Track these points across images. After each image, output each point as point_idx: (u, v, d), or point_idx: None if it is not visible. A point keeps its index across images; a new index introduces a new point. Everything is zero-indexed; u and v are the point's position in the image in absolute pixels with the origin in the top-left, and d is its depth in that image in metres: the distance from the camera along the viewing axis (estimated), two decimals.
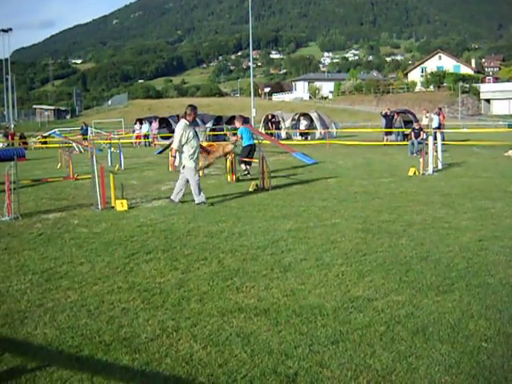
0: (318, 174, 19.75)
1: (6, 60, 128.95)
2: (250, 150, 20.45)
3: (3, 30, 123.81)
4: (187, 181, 14.22)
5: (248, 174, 20.28)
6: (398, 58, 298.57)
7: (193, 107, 14.44)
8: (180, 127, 13.95)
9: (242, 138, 20.40)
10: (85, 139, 48.38)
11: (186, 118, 14.18)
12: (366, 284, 7.16)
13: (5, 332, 6.08)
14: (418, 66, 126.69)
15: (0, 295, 7.35)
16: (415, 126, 30.49)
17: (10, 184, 13.25)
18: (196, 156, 14.24)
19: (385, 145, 35.88)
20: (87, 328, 6.06)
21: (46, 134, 60.08)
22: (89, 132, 54.35)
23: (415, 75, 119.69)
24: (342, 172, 20.54)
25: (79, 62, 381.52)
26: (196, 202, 13.99)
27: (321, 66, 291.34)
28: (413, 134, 28.88)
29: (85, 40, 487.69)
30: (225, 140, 40.50)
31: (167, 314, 6.37)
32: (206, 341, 5.59)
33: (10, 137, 57.90)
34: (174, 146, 14.09)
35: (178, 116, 54.31)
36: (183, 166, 14.13)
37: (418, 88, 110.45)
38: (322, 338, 5.52)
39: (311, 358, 5.13)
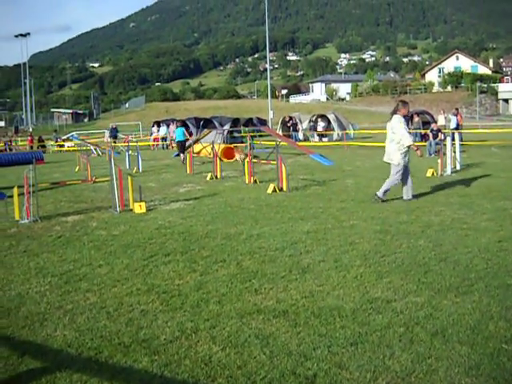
0: (335, 176, 19.73)
1: (24, 64, 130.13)
2: None
3: (21, 35, 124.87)
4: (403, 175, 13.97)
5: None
6: (415, 58, 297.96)
7: (404, 102, 14.18)
8: (401, 122, 13.64)
9: None
10: (114, 142, 48.70)
11: (398, 113, 13.88)
12: (385, 285, 7.15)
13: (25, 334, 6.12)
14: (436, 66, 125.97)
15: (20, 297, 7.40)
16: (433, 126, 30.40)
17: (29, 187, 13.34)
18: (406, 153, 13.89)
19: None
20: (106, 330, 6.10)
21: (64, 137, 60.35)
22: (118, 134, 54.74)
23: (432, 76, 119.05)
24: (359, 173, 20.52)
25: (96, 65, 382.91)
26: (378, 195, 13.88)
27: (338, 67, 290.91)
28: (431, 134, 28.80)
29: (102, 43, 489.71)
30: (242, 142, 40.49)
31: (186, 316, 6.38)
32: (225, 342, 5.60)
33: (29, 140, 58.21)
34: (409, 141, 13.60)
35: (195, 118, 54.54)
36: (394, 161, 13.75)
37: (436, 88, 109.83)
38: (341, 340, 5.51)
39: (330, 359, 5.13)
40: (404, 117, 13.97)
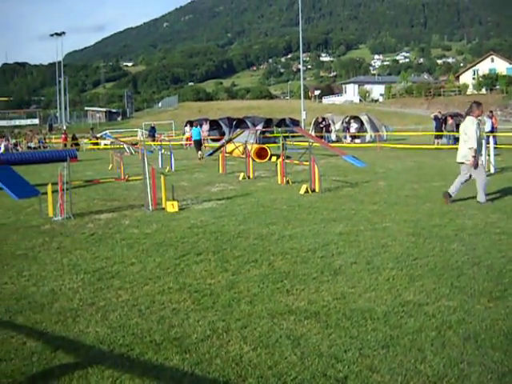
0: (368, 177, 19.66)
1: (59, 63, 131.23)
2: None
3: (57, 34, 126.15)
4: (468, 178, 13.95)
5: None
6: (450, 60, 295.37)
7: (478, 104, 13.97)
8: (474, 124, 13.50)
9: None
10: (153, 140, 49.11)
11: (472, 115, 13.75)
12: (417, 288, 7.11)
13: (58, 329, 6.19)
14: (470, 68, 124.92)
15: (53, 293, 7.49)
16: None
17: (63, 184, 13.47)
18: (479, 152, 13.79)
19: (436, 148, 35.58)
20: (138, 327, 6.14)
21: (98, 136, 60.82)
22: (156, 133, 55.22)
23: (467, 78, 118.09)
24: (392, 175, 20.42)
25: (130, 64, 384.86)
26: (480, 201, 13.67)
27: (371, 68, 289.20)
28: None
29: (136, 43, 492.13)
30: (275, 142, 40.47)
31: (217, 315, 6.40)
32: (256, 342, 5.61)
33: (63, 138, 58.73)
34: (473, 144, 13.46)
35: (228, 118, 54.61)
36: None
37: (470, 91, 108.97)
38: (373, 342, 5.50)
39: (361, 362, 5.12)
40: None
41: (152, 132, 54.21)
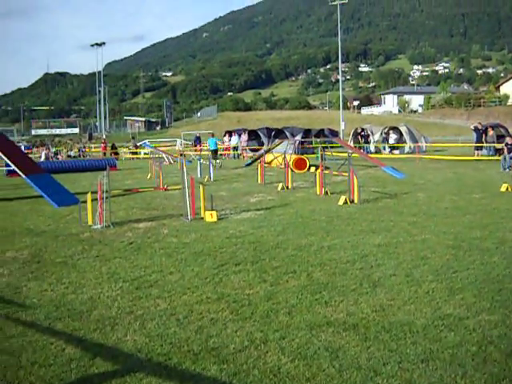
0: (407, 189, 19.51)
1: (99, 73, 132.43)
2: None
3: (97, 44, 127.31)
4: None
5: None
6: (490, 70, 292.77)
7: None
8: None
9: None
10: (196, 150, 49.47)
11: None
12: (457, 302, 7.03)
13: (96, 337, 6.25)
14: (511, 78, 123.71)
15: (92, 301, 7.55)
16: (508, 140, 29.81)
17: (102, 193, 13.57)
18: None
19: (476, 160, 35.25)
20: (176, 337, 6.16)
21: (138, 144, 61.25)
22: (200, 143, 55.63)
23: (508, 88, 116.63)
24: (431, 187, 20.25)
25: (169, 74, 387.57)
26: None
27: (410, 79, 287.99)
28: (505, 148, 28.27)
29: (175, 53, 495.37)
30: (314, 153, 40.38)
31: (255, 326, 6.40)
32: (294, 354, 5.59)
33: (102, 147, 59.26)
34: None
35: (267, 128, 54.64)
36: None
37: (511, 101, 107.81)
38: (412, 356, 5.45)
39: (400, 375, 5.07)
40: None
41: (197, 141, 54.48)
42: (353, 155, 20.42)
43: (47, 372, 5.38)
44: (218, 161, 34.86)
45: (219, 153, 44.37)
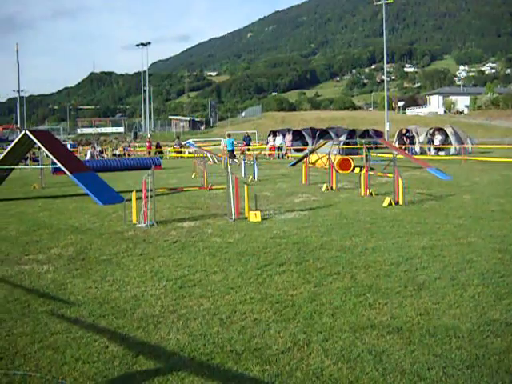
0: (452, 191, 19.31)
1: (145, 72, 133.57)
2: None
3: (142, 44, 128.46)
4: None
5: None
6: None
7: None
8: None
9: None
10: (248, 150, 49.62)
11: None
12: (504, 307, 6.92)
13: (139, 335, 6.28)
14: None
15: (135, 299, 7.59)
16: None
17: (147, 192, 13.66)
18: None
19: None
20: (219, 336, 6.16)
21: (183, 143, 61.59)
22: (251, 142, 55.83)
23: None
24: (477, 189, 20.01)
25: (214, 74, 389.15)
26: None
27: (456, 79, 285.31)
28: None
29: (220, 53, 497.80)
30: (358, 154, 40.22)
31: (299, 327, 6.37)
32: (337, 356, 5.55)
33: (147, 146, 59.70)
34: None
35: (311, 129, 54.57)
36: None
37: None
38: (457, 361, 5.36)
39: (445, 381, 5.00)
40: None
41: (247, 141, 54.72)
42: (397, 156, 20.26)
43: (91, 368, 5.42)
44: (235, 160, 36.13)
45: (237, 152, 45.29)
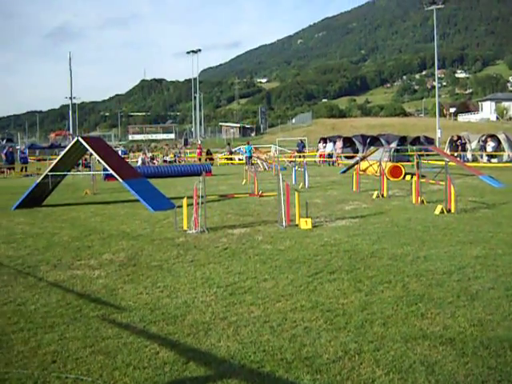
0: (506, 199, 19.03)
1: (195, 79, 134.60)
2: None
3: (193, 51, 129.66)
4: None
5: None
6: None
7: None
8: None
9: None
10: (301, 156, 49.80)
11: None
12: None
13: (190, 342, 6.30)
14: None
15: (186, 306, 7.63)
16: None
17: (198, 198, 13.73)
18: None
19: None
20: (269, 344, 6.14)
21: (233, 150, 61.83)
22: (304, 149, 56.04)
23: None
24: None
25: (264, 80, 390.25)
26: None
27: (509, 85, 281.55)
28: None
29: (270, 59, 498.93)
30: (409, 161, 39.94)
31: (350, 336, 6.32)
32: (389, 367, 5.49)
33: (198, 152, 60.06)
34: None
35: (362, 136, 54.39)
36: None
37: None
38: None
39: None
40: None
41: (300, 147, 54.64)
42: (449, 163, 20.05)
43: (141, 374, 5.46)
44: (251, 166, 35.97)
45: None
